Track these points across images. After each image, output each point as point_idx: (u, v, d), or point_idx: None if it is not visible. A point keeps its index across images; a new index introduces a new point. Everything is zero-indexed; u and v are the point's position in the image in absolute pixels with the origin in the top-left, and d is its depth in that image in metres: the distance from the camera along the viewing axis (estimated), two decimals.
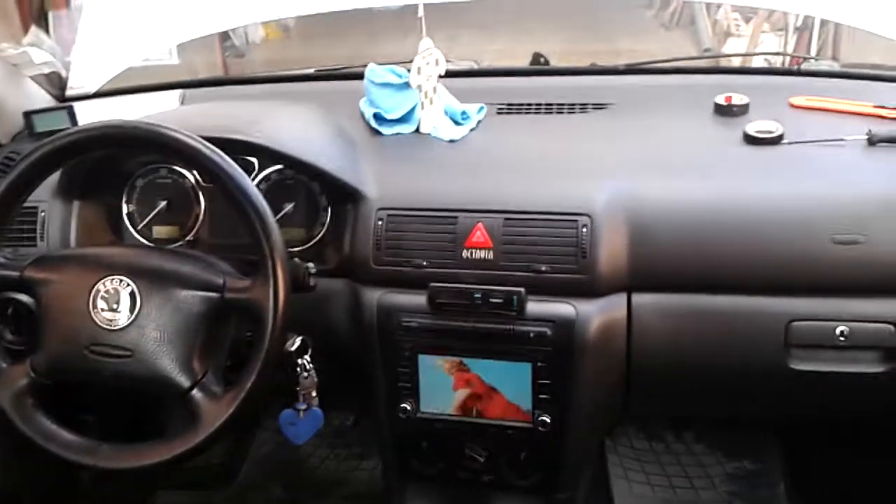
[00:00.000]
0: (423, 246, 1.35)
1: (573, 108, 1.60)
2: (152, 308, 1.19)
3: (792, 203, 1.30)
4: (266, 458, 2.12)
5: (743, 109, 1.50)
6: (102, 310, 1.19)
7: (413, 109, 1.53)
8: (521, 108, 1.63)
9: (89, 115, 1.68)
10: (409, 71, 1.51)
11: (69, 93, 1.87)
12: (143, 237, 1.53)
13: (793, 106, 1.52)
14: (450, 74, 1.54)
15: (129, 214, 1.54)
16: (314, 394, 1.38)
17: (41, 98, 1.80)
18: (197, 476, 1.99)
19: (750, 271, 1.29)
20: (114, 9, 1.93)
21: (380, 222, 1.36)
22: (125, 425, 1.82)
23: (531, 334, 1.31)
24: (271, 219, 1.17)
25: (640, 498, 1.88)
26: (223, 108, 1.63)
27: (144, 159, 1.52)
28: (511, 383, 1.36)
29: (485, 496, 1.53)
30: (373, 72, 1.57)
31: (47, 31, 2.18)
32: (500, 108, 1.63)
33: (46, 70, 1.79)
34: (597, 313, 1.31)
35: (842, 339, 1.30)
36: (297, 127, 1.49)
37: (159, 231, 1.53)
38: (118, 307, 1.19)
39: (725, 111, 1.51)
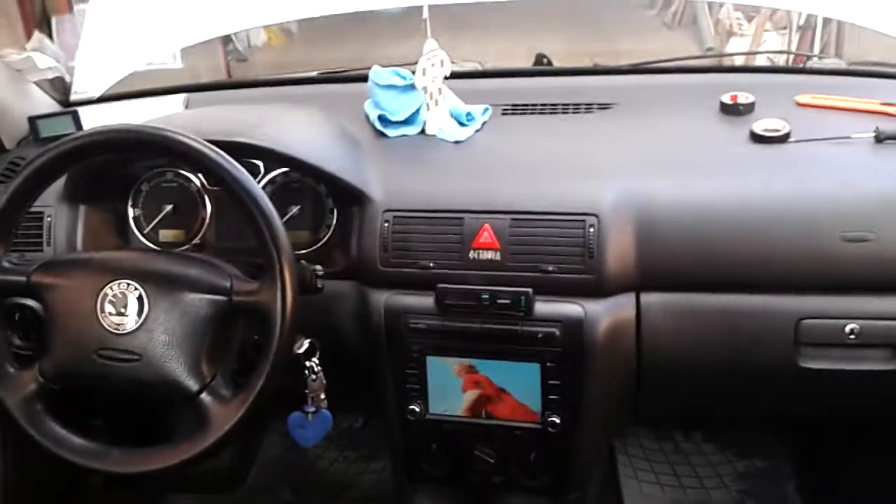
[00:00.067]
0: (429, 247, 1.35)
1: (578, 109, 1.60)
2: (160, 312, 1.19)
3: (800, 201, 1.29)
4: (274, 462, 2.12)
5: (749, 108, 1.50)
6: (110, 314, 1.19)
7: (418, 111, 1.53)
8: (525, 109, 1.62)
9: (94, 119, 1.68)
10: (413, 73, 1.50)
11: (73, 97, 1.87)
12: (149, 241, 1.53)
13: (799, 104, 1.51)
14: (454, 76, 1.54)
15: (135, 218, 1.54)
16: (323, 396, 1.38)
17: (45, 103, 1.80)
18: (205, 480, 1.98)
19: (759, 270, 1.29)
20: (117, 13, 1.93)
21: (386, 224, 1.36)
22: (133, 430, 1.82)
23: (539, 335, 1.31)
24: (278, 221, 1.17)
25: (650, 498, 1.88)
26: (228, 112, 1.63)
27: (150, 163, 1.52)
28: (520, 384, 1.36)
29: (494, 497, 1.53)
30: (377, 74, 1.57)
31: (50, 35, 2.19)
32: (504, 109, 1.62)
33: (50, 75, 1.78)
34: (605, 313, 1.31)
35: (852, 336, 1.30)
36: (301, 129, 1.49)
37: (165, 235, 1.53)
38: (126, 311, 1.19)
39: (731, 110, 1.50)
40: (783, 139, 1.38)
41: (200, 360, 1.19)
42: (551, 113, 1.60)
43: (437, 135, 1.51)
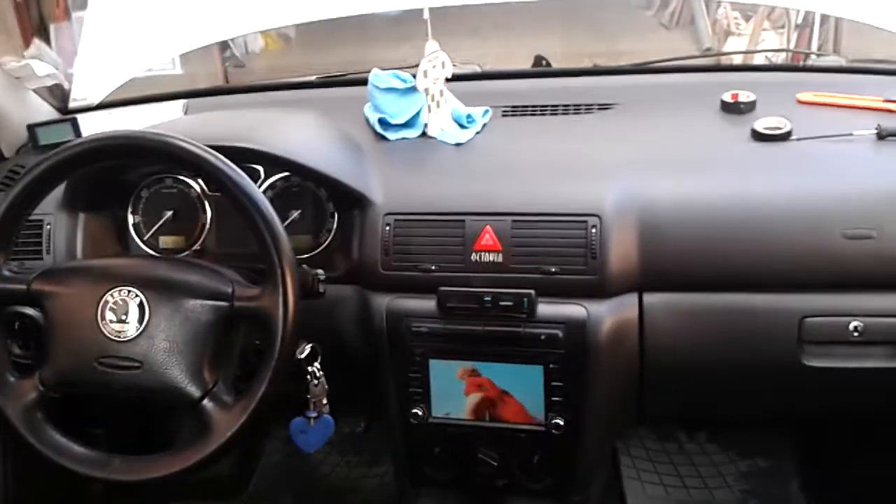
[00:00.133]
0: (431, 250, 1.34)
1: (578, 109, 1.60)
2: (161, 318, 1.18)
3: (802, 199, 1.29)
4: (276, 468, 2.11)
5: (750, 106, 1.49)
6: (111, 321, 1.18)
7: (418, 114, 1.52)
8: (525, 111, 1.62)
9: (92, 126, 1.67)
10: (413, 76, 1.50)
11: (72, 105, 1.86)
12: (149, 248, 1.52)
13: (800, 102, 1.51)
14: (453, 78, 1.53)
15: (134, 225, 1.53)
16: (325, 401, 1.38)
17: (44, 110, 1.79)
18: (207, 487, 1.97)
19: (761, 268, 1.29)
20: (115, 19, 1.93)
21: (387, 227, 1.36)
22: (134, 438, 1.81)
23: (542, 336, 1.31)
24: (279, 226, 1.17)
25: (654, 499, 1.87)
26: (227, 117, 1.62)
27: (149, 170, 1.52)
28: (523, 386, 1.35)
29: (498, 500, 1.53)
30: (377, 77, 1.57)
31: (48, 43, 2.18)
32: (504, 111, 1.62)
33: (50, 82, 1.78)
34: (608, 314, 1.30)
35: (855, 334, 1.29)
36: (301, 134, 1.48)
37: (165, 241, 1.53)
38: (127, 318, 1.18)
39: (732, 108, 1.50)
40: (785, 137, 1.38)
41: (202, 367, 1.18)
42: (552, 114, 1.60)
43: (438, 137, 1.50)
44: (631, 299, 1.32)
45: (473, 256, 1.33)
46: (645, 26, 6.14)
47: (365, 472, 2.07)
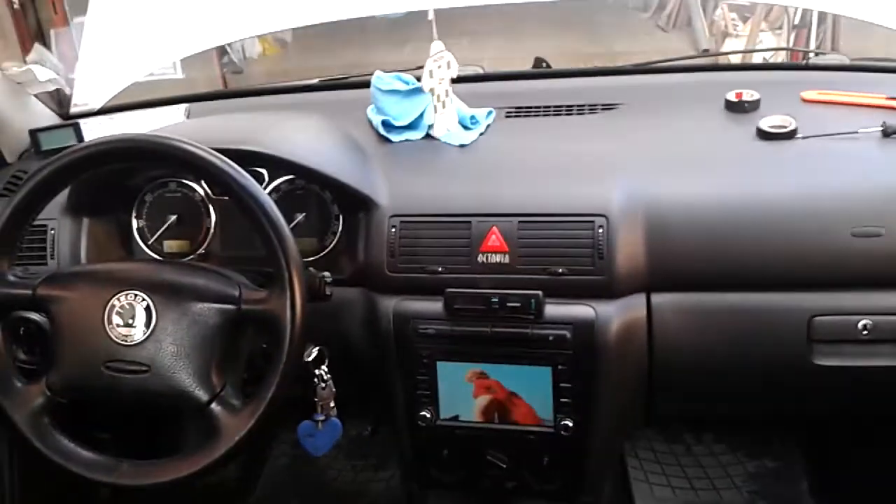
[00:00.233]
0: (437, 252, 1.34)
1: (582, 110, 1.59)
2: (168, 322, 1.17)
3: (810, 197, 1.29)
4: (282, 472, 2.10)
5: (754, 105, 1.49)
6: (118, 325, 1.18)
7: (421, 115, 1.52)
8: (529, 112, 1.62)
9: (94, 131, 1.67)
10: (416, 78, 1.50)
11: (73, 110, 1.86)
12: (153, 252, 1.52)
13: (805, 100, 1.51)
14: (456, 80, 1.53)
15: (139, 230, 1.53)
16: (332, 404, 1.37)
17: (46, 116, 1.79)
18: (214, 491, 1.97)
19: (769, 267, 1.28)
20: (115, 24, 1.92)
21: (393, 229, 1.35)
22: (140, 442, 1.80)
23: (550, 337, 1.30)
24: (286, 229, 1.16)
25: (662, 500, 1.87)
26: (231, 121, 1.62)
27: (153, 174, 1.51)
28: (532, 388, 1.35)
29: (506, 503, 1.52)
30: (379, 79, 1.56)
31: (48, 48, 2.18)
32: (508, 112, 1.62)
33: (51, 87, 1.78)
34: (616, 314, 1.30)
35: (865, 332, 1.29)
36: (305, 136, 1.48)
37: (170, 245, 1.52)
38: (134, 322, 1.18)
39: (737, 107, 1.50)
40: (790, 135, 1.38)
41: (210, 370, 1.18)
42: (555, 115, 1.60)
43: (443, 138, 1.50)
44: (639, 299, 1.32)
45: (480, 258, 1.32)
46: (641, 29, 6.15)
47: (371, 477, 2.06)
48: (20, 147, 1.71)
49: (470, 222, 1.33)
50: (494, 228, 1.32)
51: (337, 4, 1.82)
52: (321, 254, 1.45)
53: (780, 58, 3.87)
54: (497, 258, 1.32)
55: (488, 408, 1.37)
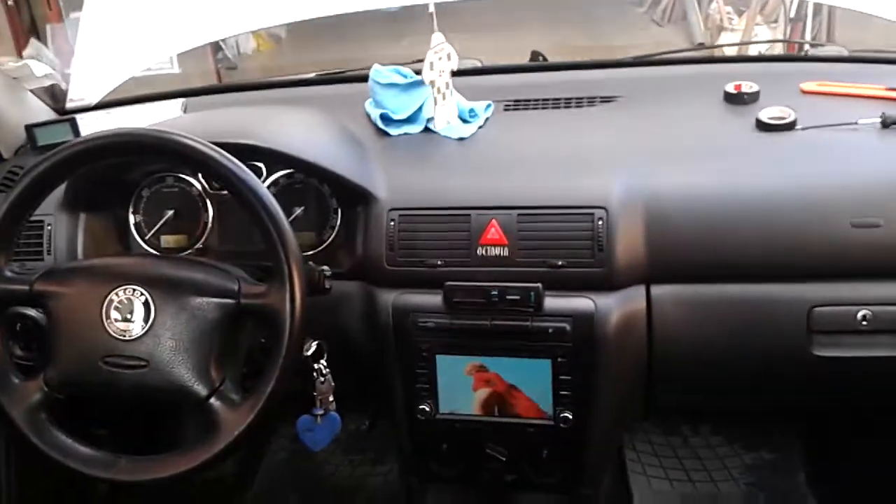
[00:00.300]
0: (436, 245, 1.34)
1: (581, 102, 1.59)
2: (167, 317, 1.17)
3: (809, 188, 1.29)
4: (280, 466, 2.10)
5: (753, 97, 1.49)
6: (116, 320, 1.17)
7: (420, 109, 1.51)
8: (528, 104, 1.61)
9: (91, 126, 1.66)
10: (415, 72, 1.49)
11: (69, 105, 1.85)
12: (150, 247, 1.51)
13: (804, 91, 1.51)
14: (454, 73, 1.53)
15: (136, 225, 1.52)
16: (331, 398, 1.37)
17: (42, 111, 1.78)
18: (212, 486, 1.97)
19: (769, 258, 1.28)
20: (111, 19, 1.91)
21: (392, 223, 1.35)
22: (138, 438, 1.80)
23: (550, 330, 1.30)
24: (285, 223, 1.16)
25: (660, 493, 1.87)
26: (228, 115, 1.61)
27: (150, 169, 1.50)
28: (531, 381, 1.34)
29: (506, 496, 1.52)
30: (378, 73, 1.56)
31: (44, 44, 2.17)
32: (506, 105, 1.61)
33: (47, 82, 1.77)
34: (616, 306, 1.30)
35: (864, 323, 1.29)
36: (303, 130, 1.47)
37: (167, 240, 1.51)
38: (132, 317, 1.17)
39: (736, 99, 1.50)
40: (790, 127, 1.38)
41: (209, 365, 1.17)
42: (554, 107, 1.60)
43: (442, 131, 1.49)
44: (638, 291, 1.31)
45: (479, 250, 1.32)
46: (636, 23, 6.15)
47: (369, 471, 2.06)
48: (16, 142, 1.70)
49: (469, 215, 1.33)
50: (494, 221, 1.32)
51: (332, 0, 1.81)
52: (320, 248, 1.44)
53: (777, 50, 3.87)
54: (496, 251, 1.31)
55: (488, 401, 1.37)
